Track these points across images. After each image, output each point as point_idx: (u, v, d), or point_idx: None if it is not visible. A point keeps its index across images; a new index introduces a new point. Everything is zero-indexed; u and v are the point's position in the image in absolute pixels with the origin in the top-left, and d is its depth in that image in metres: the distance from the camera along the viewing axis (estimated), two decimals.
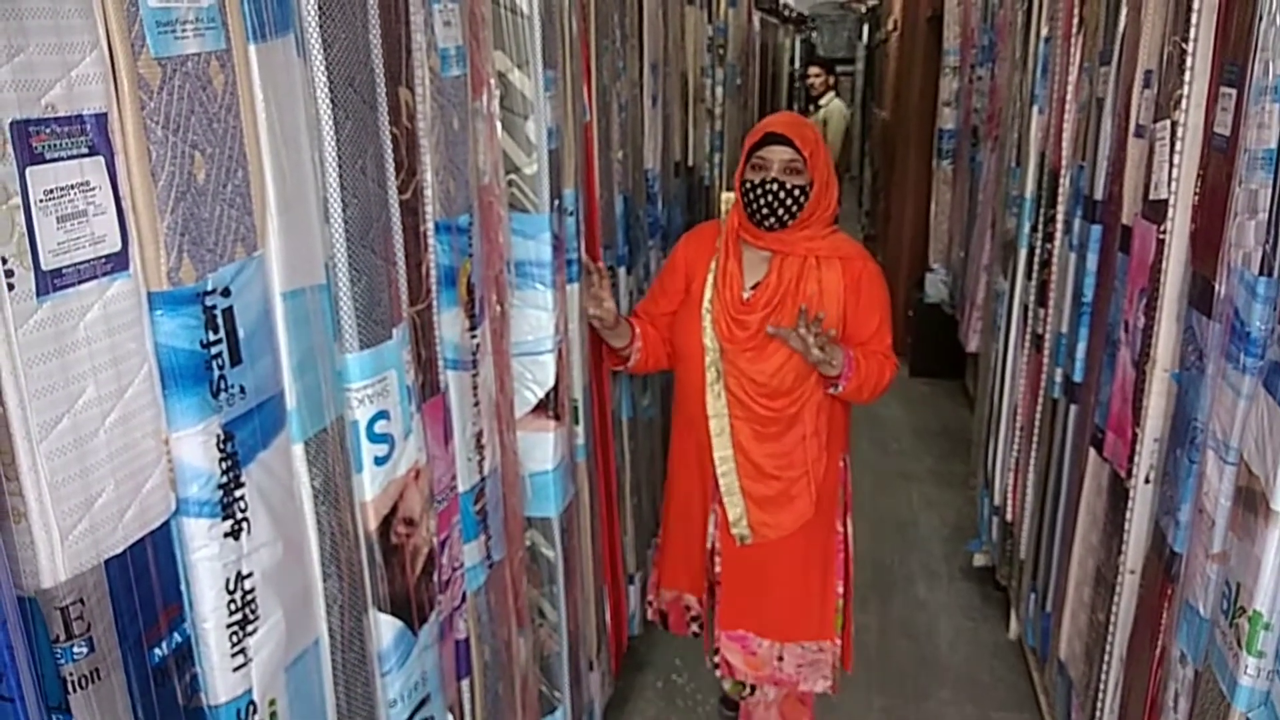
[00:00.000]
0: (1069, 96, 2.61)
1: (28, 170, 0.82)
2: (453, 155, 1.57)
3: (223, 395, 1.03)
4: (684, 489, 2.39)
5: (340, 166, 1.23)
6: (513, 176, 1.93)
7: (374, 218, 1.32)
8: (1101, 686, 2.09)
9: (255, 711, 1.12)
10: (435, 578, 1.56)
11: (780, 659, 2.38)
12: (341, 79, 1.21)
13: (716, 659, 2.45)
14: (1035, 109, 3.02)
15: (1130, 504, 1.97)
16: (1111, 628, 2.05)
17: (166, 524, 1.00)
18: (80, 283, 0.88)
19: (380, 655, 1.41)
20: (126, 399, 0.93)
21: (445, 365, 1.60)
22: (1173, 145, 1.80)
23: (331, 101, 1.20)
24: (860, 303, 2.18)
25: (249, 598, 1.10)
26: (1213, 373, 1.57)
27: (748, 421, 2.22)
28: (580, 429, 2.31)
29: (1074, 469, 2.43)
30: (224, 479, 1.04)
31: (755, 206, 2.14)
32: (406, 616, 1.45)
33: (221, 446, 1.03)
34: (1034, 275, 2.94)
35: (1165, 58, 1.87)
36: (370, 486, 1.36)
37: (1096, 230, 2.31)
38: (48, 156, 0.84)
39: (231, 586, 1.07)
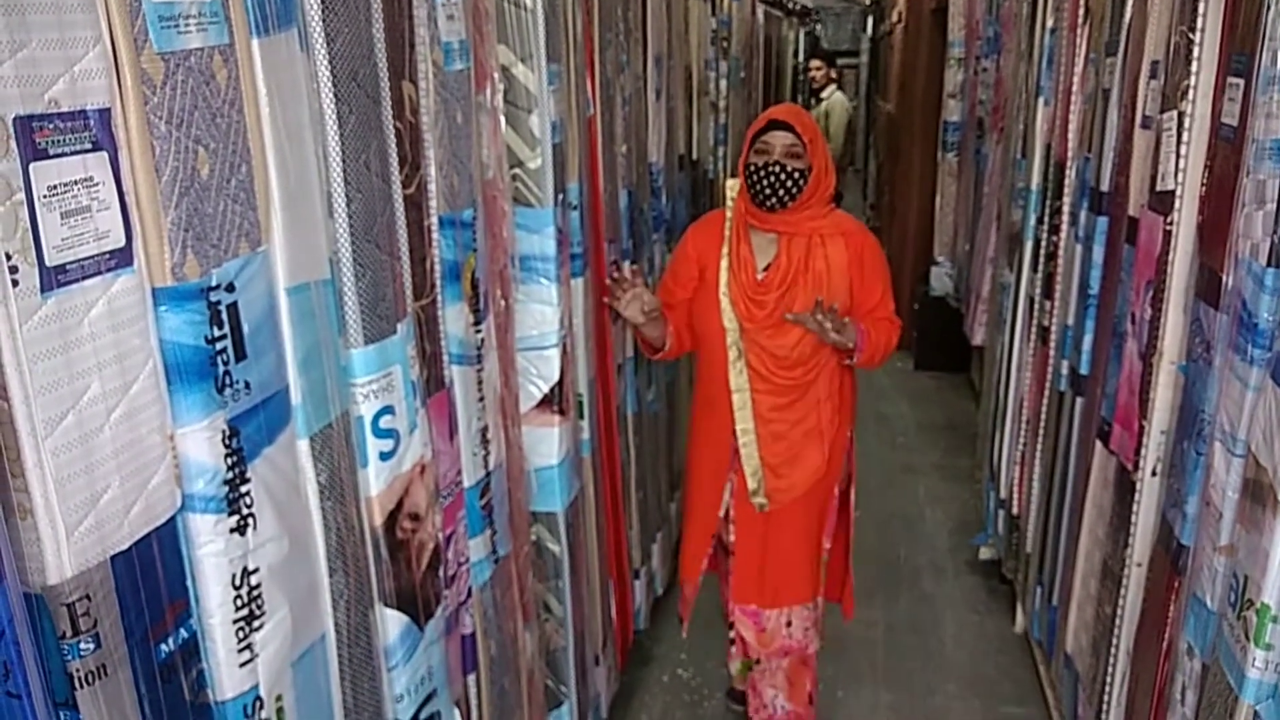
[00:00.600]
0: (1075, 88, 2.60)
1: (31, 166, 0.82)
2: (456, 150, 1.57)
3: (228, 391, 1.03)
4: (704, 469, 2.48)
5: (344, 161, 1.23)
6: (516, 171, 1.92)
7: (378, 212, 1.31)
8: (1108, 680, 2.08)
9: (262, 707, 1.12)
10: (441, 573, 1.56)
11: (789, 624, 2.50)
12: (345, 73, 1.21)
13: (732, 634, 2.57)
14: (1041, 100, 3.00)
15: (1137, 497, 1.96)
16: (1118, 621, 2.04)
17: (172, 520, 1.00)
18: (84, 279, 0.87)
19: (386, 650, 1.41)
20: (131, 395, 0.93)
21: (450, 360, 1.60)
22: (1179, 136, 1.79)
23: (335, 96, 1.20)
24: (864, 273, 2.33)
25: (255, 593, 1.10)
26: (1220, 365, 1.56)
27: (768, 394, 2.35)
28: (585, 423, 2.31)
29: (1080, 462, 2.42)
30: (229, 474, 1.04)
31: (759, 187, 2.25)
32: (412, 611, 1.45)
33: (227, 442, 1.03)
34: (1040, 268, 2.93)
35: (1172, 48, 1.86)
36: (375, 482, 1.36)
37: (1103, 222, 2.30)
38: (51, 152, 0.84)
39: (237, 582, 1.07)
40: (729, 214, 2.37)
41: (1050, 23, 2.93)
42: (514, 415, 1.96)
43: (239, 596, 1.07)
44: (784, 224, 2.29)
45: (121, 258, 0.91)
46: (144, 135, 0.93)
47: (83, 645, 0.90)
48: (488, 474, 1.76)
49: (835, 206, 2.39)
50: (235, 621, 1.07)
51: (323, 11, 1.17)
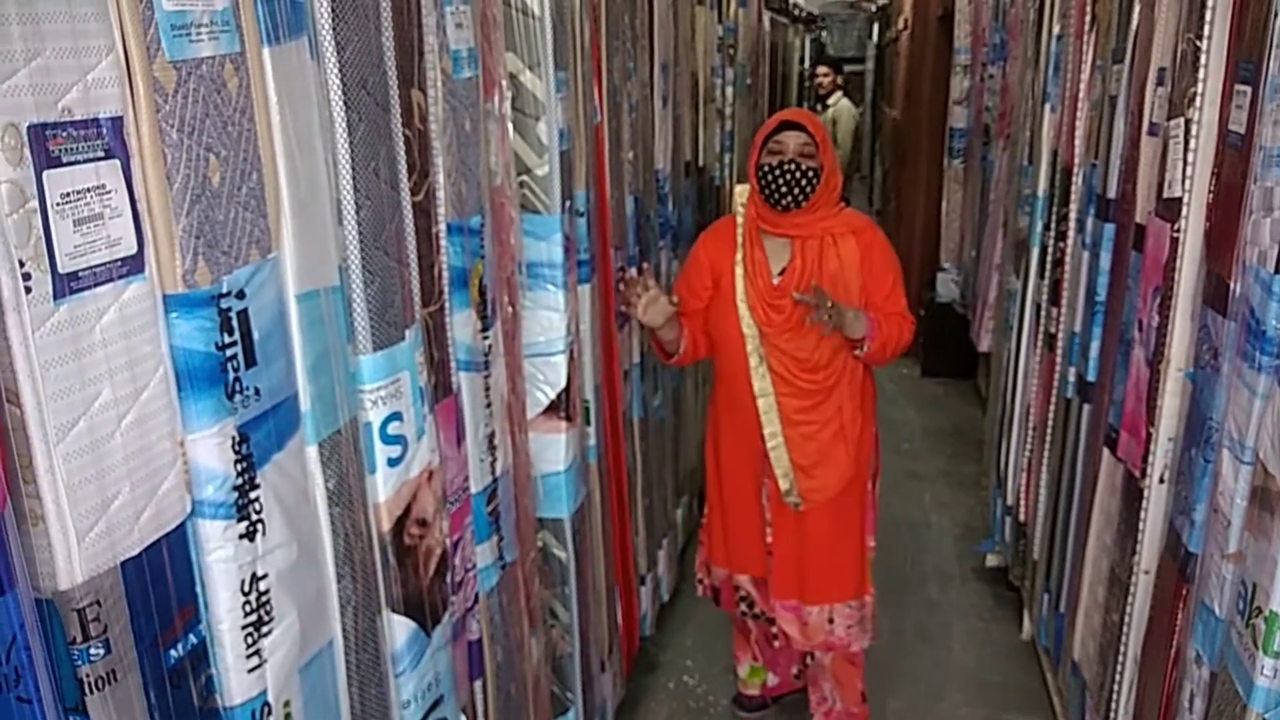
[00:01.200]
0: (1081, 94, 2.60)
1: (45, 174, 0.83)
2: (465, 157, 1.57)
3: (238, 397, 1.04)
4: (733, 468, 2.49)
5: (354, 169, 1.23)
6: (524, 178, 1.93)
7: (387, 219, 1.32)
8: (1116, 687, 2.08)
9: (270, 713, 1.12)
10: (448, 579, 1.56)
11: (831, 621, 2.50)
12: (355, 81, 1.22)
13: (774, 629, 2.55)
14: (1048, 107, 3.01)
15: (1145, 504, 1.95)
16: (1126, 628, 2.04)
17: (182, 526, 1.00)
18: (96, 285, 0.88)
19: (394, 656, 1.42)
20: (142, 401, 0.94)
21: (457, 366, 1.60)
22: (1186, 143, 1.79)
23: (345, 104, 1.20)
24: (874, 268, 2.34)
25: (264, 599, 1.10)
26: (1228, 371, 1.56)
27: (792, 396, 2.36)
28: (592, 430, 2.31)
29: (1087, 469, 2.41)
30: (239, 481, 1.05)
31: (774, 187, 2.27)
32: (420, 618, 1.45)
33: (237, 448, 1.04)
34: (1046, 274, 2.93)
35: (1179, 55, 1.86)
36: (384, 488, 1.36)
37: (1110, 229, 2.30)
38: (64, 160, 0.84)
39: (246, 588, 1.07)
40: (740, 220, 2.38)
41: (1057, 30, 2.93)
42: (521, 421, 1.96)
43: (248, 602, 1.08)
44: (796, 226, 2.31)
45: (133, 265, 0.92)
46: (156, 143, 0.94)
47: (93, 651, 0.90)
48: (495, 480, 1.76)
49: (843, 205, 2.40)
50: (244, 627, 1.08)
51: (333, 20, 1.18)
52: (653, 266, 2.94)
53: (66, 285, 0.85)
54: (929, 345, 5.57)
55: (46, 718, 0.84)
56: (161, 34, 0.93)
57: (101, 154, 0.88)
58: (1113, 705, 2.09)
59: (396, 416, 1.36)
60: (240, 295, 1.04)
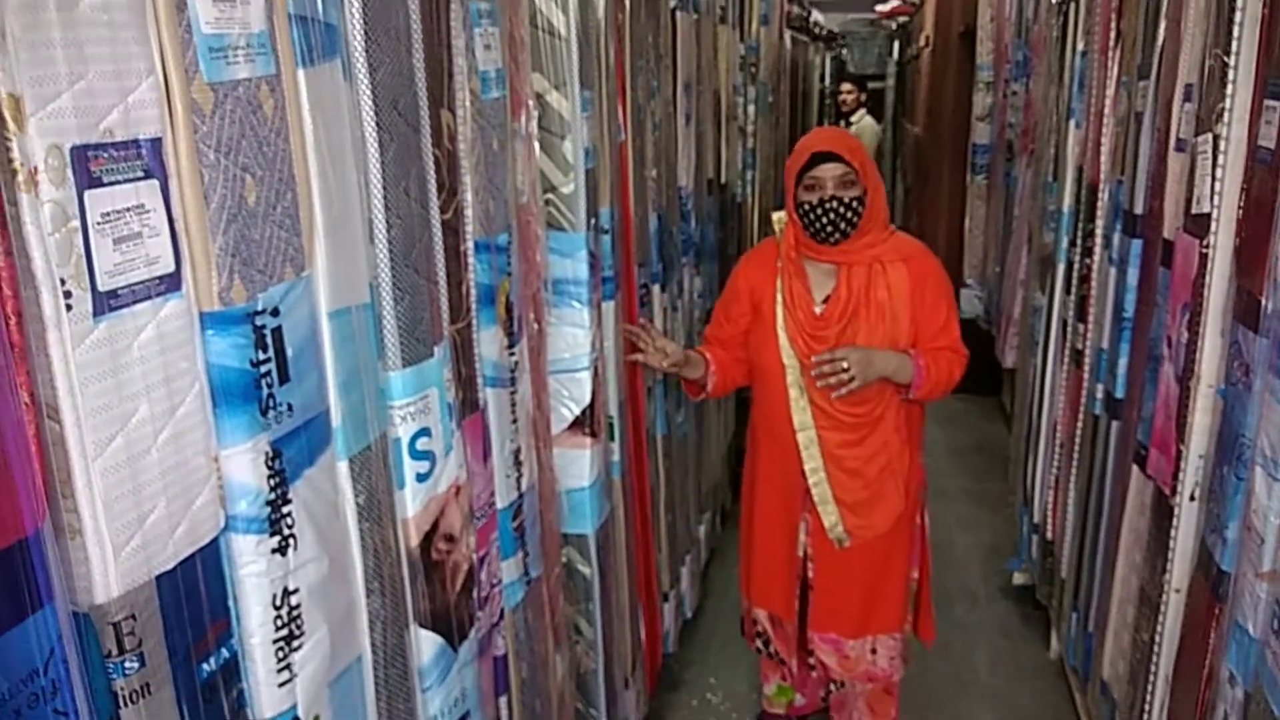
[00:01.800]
0: (1107, 110, 2.59)
1: (86, 194, 0.84)
2: (492, 175, 1.59)
3: (271, 413, 1.05)
4: (767, 499, 2.41)
5: (385, 188, 1.25)
6: (550, 196, 1.94)
7: (417, 238, 1.33)
8: (1147, 708, 2.05)
9: None
10: (474, 594, 1.56)
11: (874, 652, 2.43)
12: (386, 102, 1.23)
13: (811, 660, 2.48)
14: (1072, 123, 3.00)
15: (1175, 522, 1.93)
16: (1157, 648, 2.01)
17: (215, 540, 1.01)
18: (135, 303, 0.89)
19: (421, 671, 1.42)
20: (178, 417, 0.95)
21: (484, 383, 1.61)
22: (1215, 159, 1.78)
23: (377, 124, 1.22)
24: (926, 299, 2.23)
25: (295, 613, 1.11)
26: (1260, 388, 1.55)
27: (835, 430, 2.26)
28: (616, 446, 2.31)
29: (1116, 486, 2.39)
30: (272, 496, 1.06)
31: (818, 226, 2.17)
32: (447, 633, 1.46)
33: (270, 464, 1.05)
34: (1073, 290, 2.92)
35: (1206, 71, 1.86)
36: (412, 503, 1.37)
37: (1137, 245, 2.29)
38: (105, 180, 0.86)
39: (278, 602, 1.08)
40: (781, 245, 2.29)
41: (1081, 46, 2.93)
42: (546, 437, 1.97)
43: (279, 617, 1.09)
44: (842, 254, 2.20)
45: (170, 283, 0.93)
46: (193, 163, 0.95)
47: (127, 664, 0.91)
48: (520, 496, 1.77)
49: (894, 228, 2.30)
50: (275, 641, 1.08)
51: (366, 42, 1.20)
52: (675, 282, 2.95)
53: (106, 303, 0.86)
54: None
55: None
56: (200, 56, 0.95)
57: (141, 174, 0.90)
58: None
59: (425, 432, 1.37)
60: (274, 313, 1.05)
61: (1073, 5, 3.10)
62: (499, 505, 1.69)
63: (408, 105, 1.29)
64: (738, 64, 4.08)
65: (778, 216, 2.33)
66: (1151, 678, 2.03)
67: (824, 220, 2.15)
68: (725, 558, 3.76)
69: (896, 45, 12.05)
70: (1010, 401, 4.70)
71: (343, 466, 1.21)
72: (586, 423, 2.07)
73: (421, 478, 1.38)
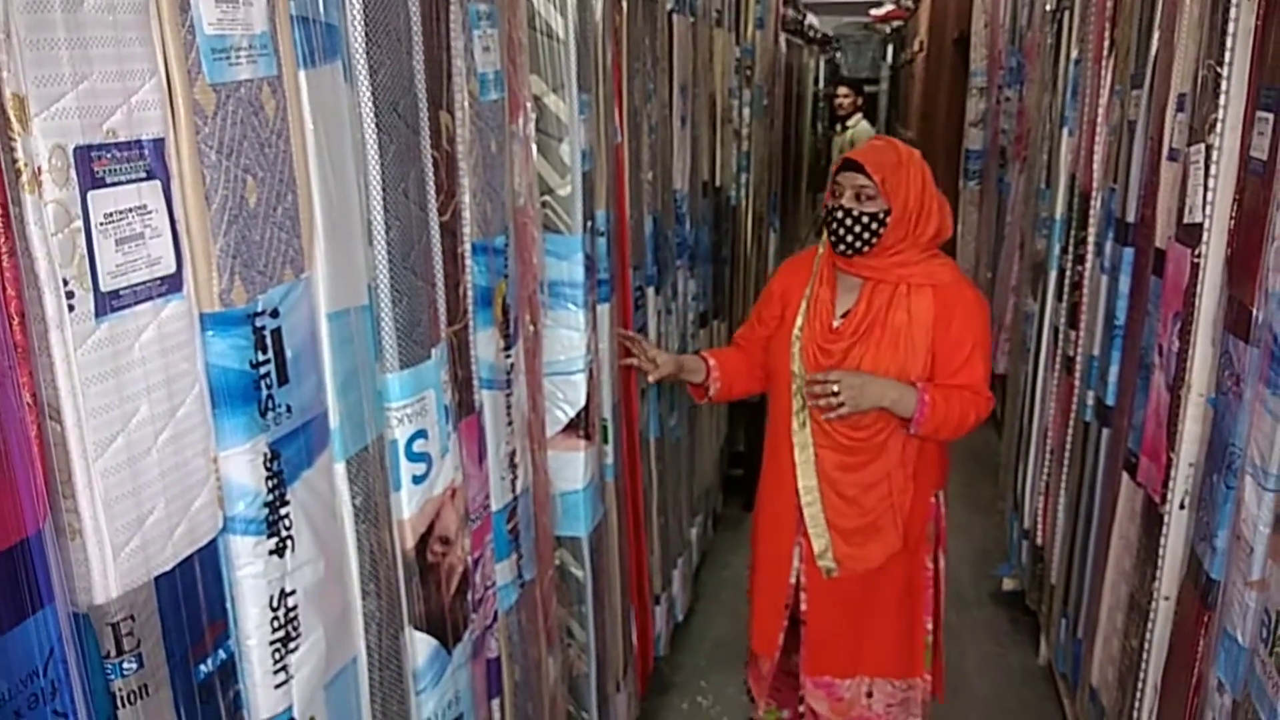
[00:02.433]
0: (1100, 119, 2.61)
1: (89, 194, 0.84)
2: (490, 178, 1.59)
3: (270, 414, 1.05)
4: (769, 528, 2.32)
5: (384, 190, 1.25)
6: (547, 198, 1.95)
7: (415, 240, 1.33)
8: (1135, 715, 2.06)
9: None
10: (469, 596, 1.57)
11: (869, 695, 2.32)
12: (386, 104, 1.24)
13: (802, 708, 2.37)
14: (1065, 131, 3.02)
15: (1165, 529, 1.95)
16: (1145, 655, 2.02)
17: (213, 541, 1.01)
18: (136, 304, 0.89)
19: (415, 674, 1.42)
20: (178, 418, 0.95)
21: (480, 385, 1.61)
22: (1207, 169, 1.79)
23: (377, 126, 1.22)
24: (950, 331, 2.08)
25: (291, 615, 1.11)
26: (1250, 398, 1.56)
27: (833, 450, 2.16)
28: (609, 448, 2.32)
29: (1106, 493, 2.41)
30: (270, 497, 1.06)
31: (831, 231, 2.11)
32: (441, 635, 1.46)
33: (268, 465, 1.05)
34: (1064, 297, 2.93)
35: (1199, 81, 1.87)
36: (408, 505, 1.37)
37: (1129, 253, 2.31)
38: (108, 181, 0.86)
39: (275, 604, 1.08)
40: (821, 250, 2.23)
41: (1075, 54, 2.95)
42: (541, 440, 1.97)
43: (276, 618, 1.09)
44: (870, 269, 2.10)
45: (172, 284, 0.93)
46: (195, 164, 0.95)
47: (125, 665, 0.91)
48: (515, 498, 1.77)
49: (940, 253, 2.15)
50: (272, 643, 1.08)
51: (366, 44, 1.20)
52: (669, 285, 2.95)
53: (108, 303, 0.86)
54: None
55: None
56: (202, 57, 0.95)
57: (143, 175, 0.90)
58: None
59: (422, 434, 1.37)
60: (274, 314, 1.05)
61: (1067, 13, 3.12)
62: (494, 508, 1.69)
63: (407, 107, 1.29)
64: (733, 67, 4.09)
65: None
66: (1140, 685, 2.04)
67: (833, 227, 2.09)
68: (717, 561, 3.76)
69: (890, 49, 12.10)
70: (1001, 407, 4.72)
71: (340, 468, 1.21)
72: (581, 425, 2.07)
73: (418, 480, 1.38)
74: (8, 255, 0.79)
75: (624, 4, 2.32)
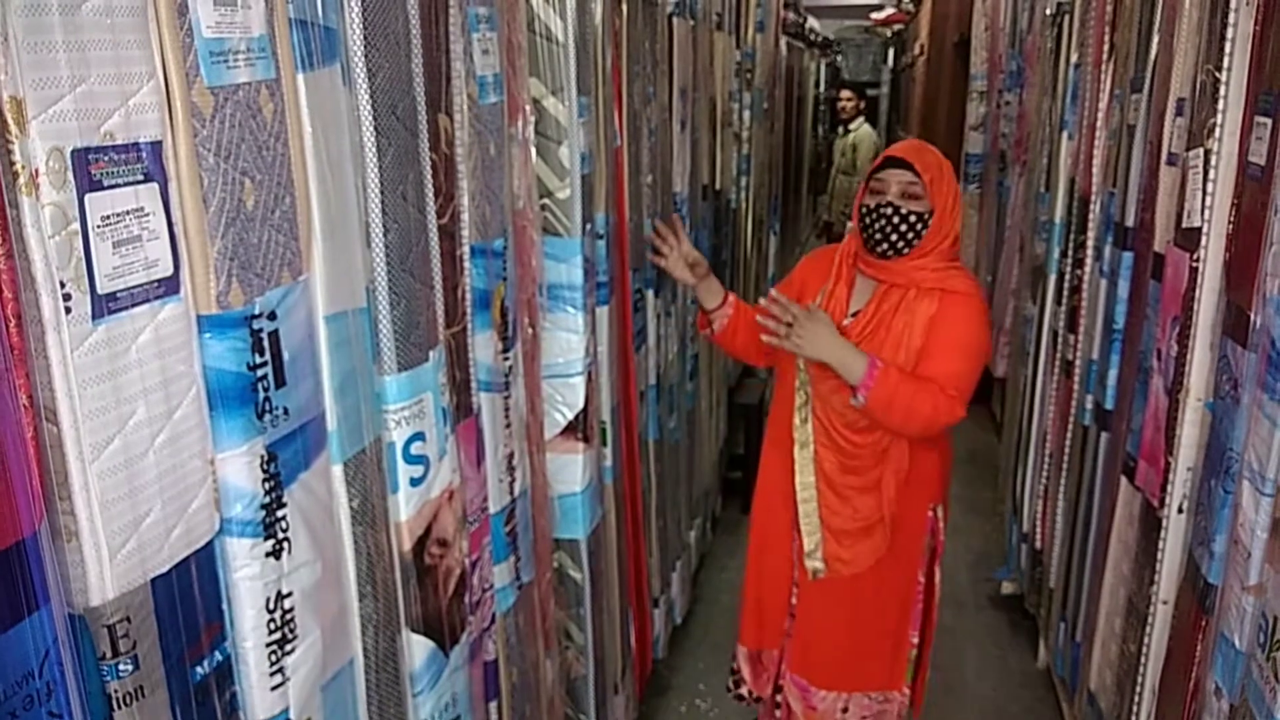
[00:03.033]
0: (1099, 123, 2.61)
1: (86, 197, 0.84)
2: (489, 180, 1.59)
3: (267, 417, 1.05)
4: (768, 527, 2.31)
5: (382, 192, 1.25)
6: (546, 201, 1.95)
7: (413, 242, 1.34)
8: (1133, 718, 2.06)
9: None
10: (466, 599, 1.57)
11: (845, 710, 2.31)
12: (385, 107, 1.24)
13: (780, 698, 2.37)
14: (1065, 135, 3.02)
15: (1163, 534, 1.95)
16: (1144, 659, 2.02)
17: (210, 543, 1.01)
18: (133, 306, 0.89)
19: (412, 676, 1.42)
20: (175, 420, 0.95)
21: (478, 387, 1.62)
22: (1206, 174, 1.79)
23: (375, 129, 1.22)
24: (940, 330, 2.04)
25: (288, 617, 1.11)
26: (1248, 403, 1.56)
27: (833, 451, 2.15)
28: (608, 451, 2.32)
29: (1105, 497, 2.41)
30: (267, 499, 1.06)
31: (871, 231, 2.06)
32: (438, 637, 1.46)
33: (265, 467, 1.05)
34: (1064, 301, 2.93)
35: (1198, 86, 1.87)
36: (405, 507, 1.37)
37: (1128, 257, 2.31)
38: (105, 183, 0.86)
39: (271, 606, 1.08)
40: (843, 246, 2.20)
41: (1075, 58, 2.95)
42: (539, 442, 1.97)
43: (272, 620, 1.09)
44: (886, 272, 2.08)
45: (169, 286, 0.93)
46: (193, 167, 0.96)
47: (121, 666, 0.91)
48: (513, 500, 1.77)
49: (959, 264, 2.11)
50: (268, 645, 1.08)
51: (365, 47, 1.20)
52: (669, 288, 2.95)
53: (105, 306, 0.87)
54: None
55: None
56: (200, 60, 0.95)
57: (141, 177, 0.90)
58: None
59: (419, 437, 1.37)
60: (272, 316, 1.05)
61: (1067, 17, 3.12)
62: (491, 510, 1.69)
63: (406, 110, 1.29)
64: (733, 70, 4.09)
65: (851, 226, 2.22)
66: (1138, 689, 2.04)
67: (876, 226, 2.03)
68: (716, 563, 3.76)
69: (891, 53, 12.11)
70: (1000, 410, 4.72)
71: (337, 470, 1.21)
72: (579, 428, 2.07)
73: (415, 482, 1.38)
74: (5, 258, 0.79)
75: (624, 7, 2.32)
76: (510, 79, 1.69)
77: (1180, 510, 1.90)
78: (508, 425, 1.73)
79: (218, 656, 1.03)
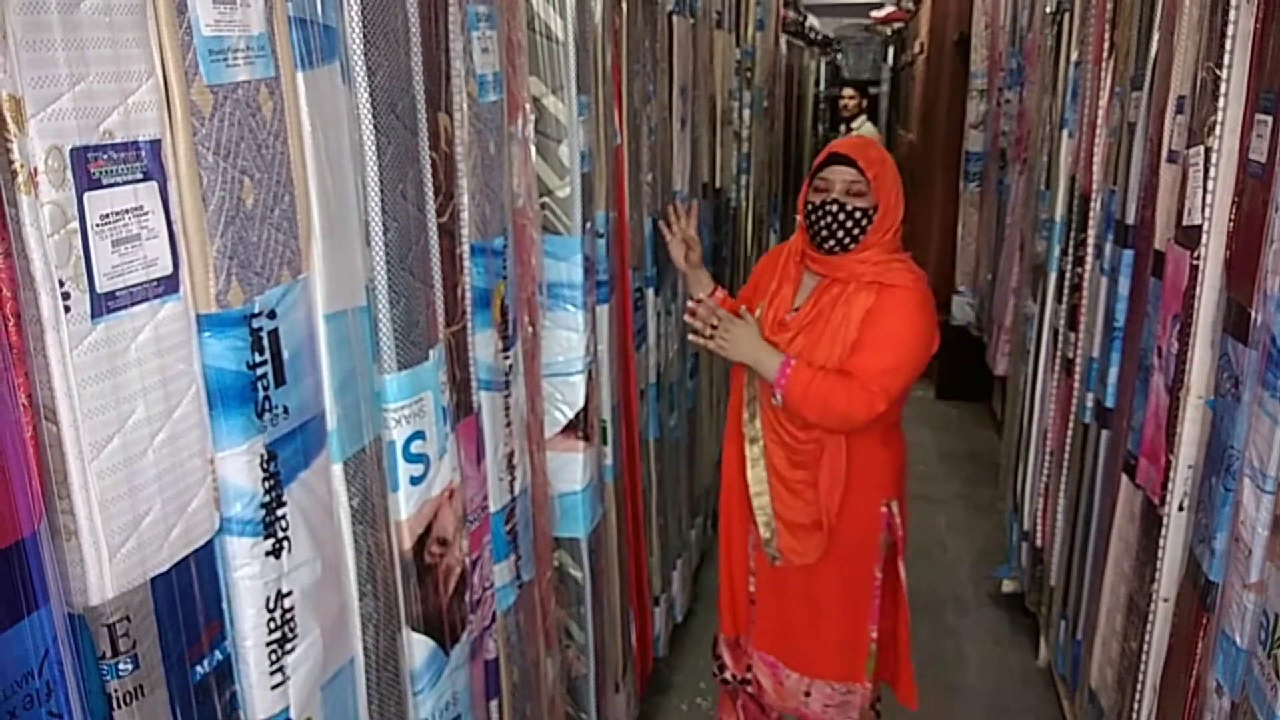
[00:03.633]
0: (1100, 121, 2.61)
1: (85, 195, 0.84)
2: (488, 179, 1.59)
3: (267, 416, 1.05)
4: (730, 520, 2.35)
5: (382, 191, 1.25)
6: (546, 199, 1.95)
7: (413, 241, 1.33)
8: (1134, 716, 2.06)
9: None
10: (467, 597, 1.57)
11: (808, 694, 2.34)
12: (384, 105, 1.24)
13: (750, 675, 2.41)
14: (1065, 133, 3.02)
15: (1164, 531, 1.95)
16: (1145, 656, 2.02)
17: (210, 543, 1.01)
18: (133, 305, 0.89)
19: (413, 675, 1.42)
20: (174, 419, 0.95)
21: (478, 386, 1.61)
22: (1206, 171, 1.79)
23: (375, 127, 1.22)
24: (872, 324, 2.03)
25: (288, 616, 1.11)
26: (1249, 400, 1.56)
27: (780, 446, 2.17)
28: (609, 449, 2.32)
29: (1105, 495, 2.41)
30: (266, 498, 1.06)
31: (816, 228, 2.07)
32: (439, 636, 1.46)
33: (265, 466, 1.05)
34: (1064, 299, 2.93)
35: (1198, 84, 1.87)
36: (405, 506, 1.37)
37: (1128, 255, 2.30)
38: (104, 182, 0.86)
39: (271, 605, 1.08)
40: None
41: (1075, 56, 2.94)
42: (539, 441, 1.97)
43: (272, 619, 1.09)
44: (829, 267, 2.09)
45: (168, 285, 0.93)
46: (192, 165, 0.95)
47: (121, 666, 0.91)
48: (513, 499, 1.77)
49: (903, 257, 2.12)
50: (268, 644, 1.08)
51: (364, 45, 1.20)
52: (669, 286, 2.95)
53: (104, 305, 0.86)
54: (944, 368, 5.57)
55: None
56: (200, 59, 0.95)
57: (140, 176, 0.90)
58: None
59: (419, 435, 1.37)
60: (271, 315, 1.05)
61: (1067, 15, 3.12)
62: (492, 509, 1.69)
63: (405, 108, 1.29)
64: (733, 69, 4.09)
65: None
66: (1139, 686, 2.04)
67: (821, 223, 2.05)
68: (716, 561, 3.76)
69: (891, 51, 12.10)
70: (1001, 408, 4.72)
71: (337, 469, 1.21)
72: (580, 426, 2.07)
73: (415, 481, 1.38)
74: (3, 256, 0.79)
75: (624, 5, 2.32)
76: (510, 77, 1.69)
77: (1181, 508, 1.90)
78: (508, 424, 1.73)
79: (218, 656, 1.03)
